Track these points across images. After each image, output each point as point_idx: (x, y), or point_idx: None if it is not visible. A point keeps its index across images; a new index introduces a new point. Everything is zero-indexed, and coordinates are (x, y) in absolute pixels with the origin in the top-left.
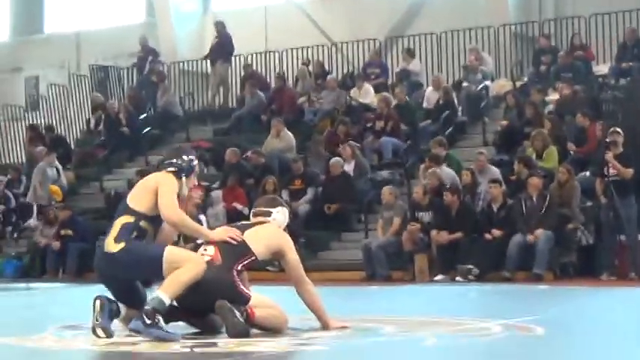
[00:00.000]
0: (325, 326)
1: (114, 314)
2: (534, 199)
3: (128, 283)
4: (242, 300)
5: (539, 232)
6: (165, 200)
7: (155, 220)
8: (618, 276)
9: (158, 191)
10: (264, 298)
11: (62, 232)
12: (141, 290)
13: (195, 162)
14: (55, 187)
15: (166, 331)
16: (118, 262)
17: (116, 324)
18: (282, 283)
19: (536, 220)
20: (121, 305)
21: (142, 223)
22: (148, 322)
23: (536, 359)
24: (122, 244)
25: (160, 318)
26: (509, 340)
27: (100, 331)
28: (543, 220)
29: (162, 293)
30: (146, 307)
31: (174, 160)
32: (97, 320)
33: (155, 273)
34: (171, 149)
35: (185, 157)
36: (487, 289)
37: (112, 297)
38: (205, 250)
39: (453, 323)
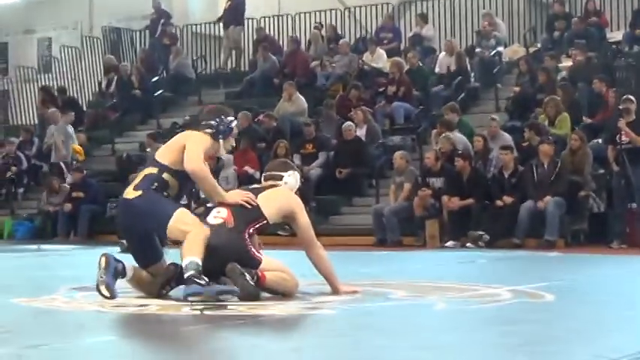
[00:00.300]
0: (335, 290)
1: (118, 273)
2: (545, 165)
3: (143, 234)
4: (253, 263)
5: (548, 198)
6: (191, 153)
7: (179, 174)
8: (629, 244)
9: (186, 146)
10: (275, 262)
11: (74, 194)
12: (157, 247)
13: (234, 123)
14: (77, 147)
15: (225, 285)
16: (132, 208)
17: (123, 285)
18: (293, 247)
19: (547, 186)
20: (127, 266)
21: (165, 175)
22: (203, 282)
23: (545, 325)
24: (139, 192)
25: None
26: (519, 306)
27: (103, 289)
28: (553, 186)
29: (192, 257)
30: (191, 272)
31: (212, 122)
32: (101, 277)
33: (160, 226)
34: (211, 108)
35: (223, 118)
36: (497, 256)
37: (118, 257)
38: (218, 212)
39: (463, 289)
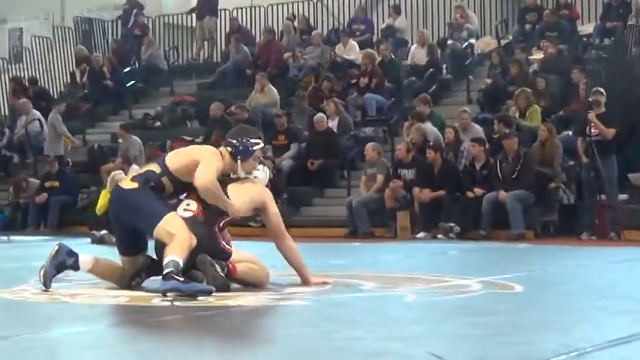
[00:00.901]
0: (305, 282)
1: (66, 267)
2: (510, 159)
3: (129, 225)
4: (224, 255)
5: (505, 193)
6: (205, 167)
7: (177, 182)
8: (598, 236)
9: (201, 160)
10: (246, 254)
11: (47, 184)
12: (141, 240)
13: (257, 146)
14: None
15: (203, 284)
16: (124, 198)
17: (90, 277)
18: (265, 238)
19: (510, 180)
20: (84, 259)
21: (164, 179)
22: (181, 279)
23: (514, 316)
24: (136, 185)
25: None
26: (488, 297)
27: (41, 274)
28: (517, 180)
29: (175, 256)
30: (170, 269)
31: (234, 140)
32: (44, 263)
33: (148, 225)
34: (239, 128)
35: (246, 140)
36: (468, 247)
37: (74, 250)
38: (188, 205)
39: (433, 280)
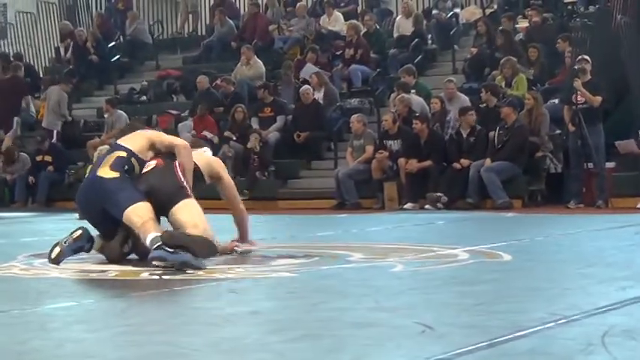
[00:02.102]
0: (242, 239)
1: (79, 251)
2: (499, 129)
3: (102, 211)
4: (182, 192)
5: (482, 163)
6: (176, 138)
7: (142, 162)
8: (585, 204)
9: (157, 137)
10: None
11: (39, 158)
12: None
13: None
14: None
15: (192, 258)
16: (104, 186)
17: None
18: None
19: (497, 149)
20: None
21: (132, 160)
22: (171, 250)
23: (502, 285)
24: (117, 174)
25: None
26: (476, 266)
27: (55, 251)
28: (502, 148)
29: (155, 233)
30: (159, 243)
31: None
32: (64, 242)
33: (119, 209)
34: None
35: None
36: (455, 217)
37: (94, 235)
38: (149, 165)
39: (421, 250)
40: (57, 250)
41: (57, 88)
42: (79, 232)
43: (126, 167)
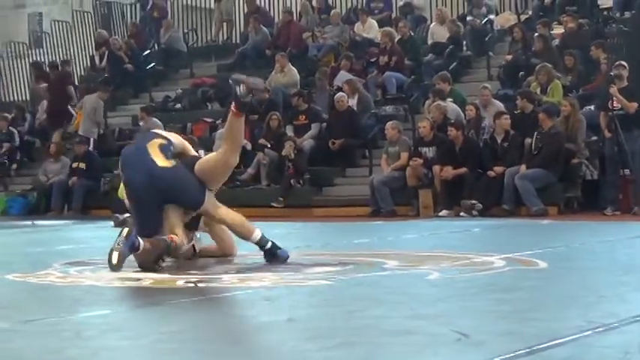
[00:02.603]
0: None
1: (135, 249)
2: (536, 135)
3: (157, 204)
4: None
5: (521, 168)
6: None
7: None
8: (622, 210)
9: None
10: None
11: (74, 164)
12: (162, 220)
13: None
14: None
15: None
16: (172, 176)
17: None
18: (286, 219)
19: (532, 156)
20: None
21: (172, 148)
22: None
23: (538, 292)
24: (174, 162)
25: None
26: (512, 274)
27: (115, 256)
28: (538, 155)
29: (257, 231)
30: (270, 242)
31: None
32: (117, 244)
33: (198, 195)
34: None
35: None
36: (491, 224)
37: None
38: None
39: (457, 257)
40: (115, 254)
41: (94, 96)
42: (127, 229)
43: (169, 154)
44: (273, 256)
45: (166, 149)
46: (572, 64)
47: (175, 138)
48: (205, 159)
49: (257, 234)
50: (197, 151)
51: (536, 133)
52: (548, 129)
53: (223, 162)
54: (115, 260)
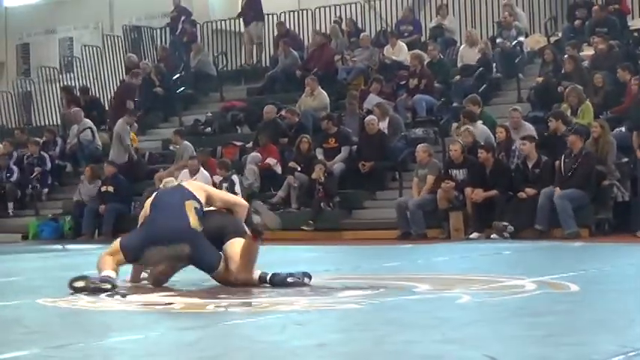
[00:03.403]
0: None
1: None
2: (564, 158)
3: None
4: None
5: (556, 191)
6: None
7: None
8: None
9: (217, 195)
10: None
11: (103, 188)
12: None
13: None
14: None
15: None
16: (197, 240)
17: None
18: (316, 242)
19: (567, 177)
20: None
21: (202, 212)
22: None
23: (570, 316)
24: (201, 228)
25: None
26: (544, 297)
27: (79, 284)
28: (572, 177)
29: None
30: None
31: None
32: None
33: (214, 261)
34: None
35: None
36: (522, 247)
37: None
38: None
39: (488, 281)
40: (81, 283)
41: (121, 121)
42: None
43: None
44: (279, 283)
45: (199, 213)
46: (601, 84)
47: (201, 195)
48: (230, 253)
49: (255, 274)
50: (230, 177)
51: (564, 155)
52: (579, 150)
53: (234, 275)
54: (75, 285)
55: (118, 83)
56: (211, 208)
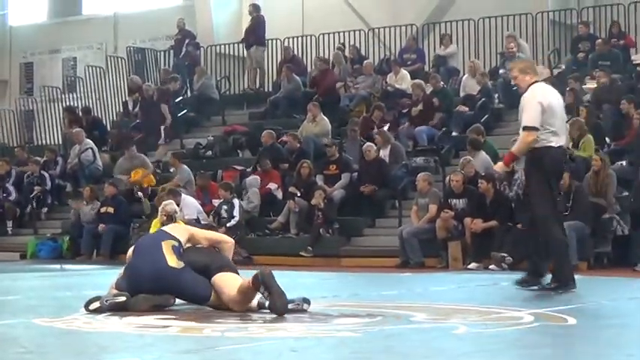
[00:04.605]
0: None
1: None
2: (561, 193)
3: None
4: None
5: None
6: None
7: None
8: None
9: (201, 234)
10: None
11: (103, 209)
12: None
13: None
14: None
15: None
16: (180, 278)
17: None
18: (314, 269)
19: (563, 210)
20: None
21: (182, 250)
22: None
23: (566, 349)
24: (182, 264)
25: None
26: (541, 330)
27: (94, 306)
28: (570, 213)
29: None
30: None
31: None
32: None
33: (204, 292)
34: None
35: None
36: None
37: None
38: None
39: (485, 312)
40: (96, 305)
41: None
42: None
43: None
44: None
45: (177, 250)
46: (586, 117)
47: (182, 235)
48: (219, 288)
49: (254, 301)
50: (231, 199)
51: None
52: (569, 187)
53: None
54: (91, 308)
55: (121, 104)
56: (197, 245)
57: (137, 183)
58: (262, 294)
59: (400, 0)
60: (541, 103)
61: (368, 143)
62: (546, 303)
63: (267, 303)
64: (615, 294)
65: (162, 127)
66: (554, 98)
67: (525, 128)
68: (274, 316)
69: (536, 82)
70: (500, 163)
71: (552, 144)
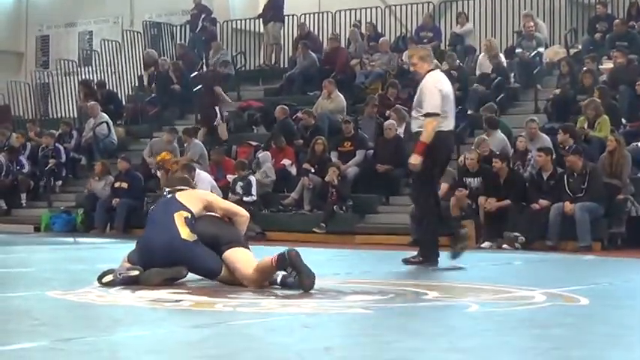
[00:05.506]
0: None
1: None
2: (575, 174)
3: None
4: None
5: (572, 205)
6: (233, 206)
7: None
8: None
9: (217, 203)
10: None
11: (117, 184)
12: None
13: None
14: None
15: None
16: (193, 250)
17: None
18: (327, 245)
19: (578, 192)
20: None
21: (194, 222)
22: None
23: (578, 329)
24: (195, 236)
25: None
26: (553, 309)
27: (107, 278)
28: (585, 194)
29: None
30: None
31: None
32: (118, 274)
33: (215, 266)
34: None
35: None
36: (533, 258)
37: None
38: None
39: (497, 290)
40: (109, 278)
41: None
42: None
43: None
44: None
45: (190, 223)
46: (601, 97)
47: (196, 205)
48: (231, 263)
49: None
50: (247, 176)
51: (566, 175)
52: (582, 168)
53: (243, 282)
54: (104, 281)
55: (136, 78)
56: (209, 213)
57: (159, 163)
58: (289, 273)
59: None
60: (440, 90)
61: (389, 121)
62: (558, 283)
63: (288, 280)
64: (629, 275)
65: (216, 108)
66: (448, 86)
67: (429, 114)
68: (287, 292)
69: (432, 69)
70: (414, 156)
71: (442, 128)
